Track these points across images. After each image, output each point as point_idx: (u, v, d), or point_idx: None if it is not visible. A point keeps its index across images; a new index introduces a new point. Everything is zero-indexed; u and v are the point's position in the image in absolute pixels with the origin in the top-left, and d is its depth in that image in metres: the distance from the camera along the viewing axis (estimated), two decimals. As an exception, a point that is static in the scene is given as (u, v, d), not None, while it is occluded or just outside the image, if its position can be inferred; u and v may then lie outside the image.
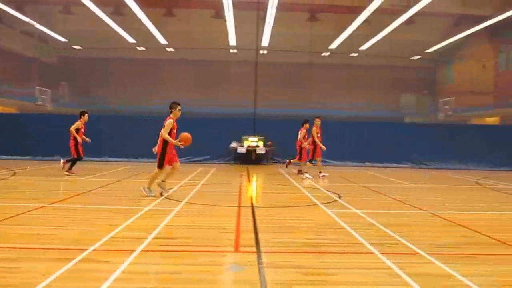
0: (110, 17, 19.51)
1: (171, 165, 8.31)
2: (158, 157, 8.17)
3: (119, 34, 21.00)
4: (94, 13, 18.27)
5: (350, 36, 21.15)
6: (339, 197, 8.69)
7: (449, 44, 22.90)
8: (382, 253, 4.50)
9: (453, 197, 9.69)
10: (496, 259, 4.51)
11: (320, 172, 12.88)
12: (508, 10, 20.64)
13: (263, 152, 17.64)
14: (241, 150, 17.48)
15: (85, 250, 4.30)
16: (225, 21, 19.37)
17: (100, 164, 15.67)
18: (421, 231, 5.89)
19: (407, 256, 4.50)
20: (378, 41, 21.46)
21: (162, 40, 21.83)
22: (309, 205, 7.77)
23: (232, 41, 21.40)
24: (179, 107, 8.28)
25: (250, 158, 17.56)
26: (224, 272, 3.98)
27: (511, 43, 23.80)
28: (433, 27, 22.16)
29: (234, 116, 19.35)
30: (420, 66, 24.93)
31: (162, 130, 8.05)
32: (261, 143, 17.71)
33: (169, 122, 8.04)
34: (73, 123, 11.56)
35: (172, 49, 23.05)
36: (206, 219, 6.36)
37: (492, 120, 25.18)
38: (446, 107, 22.95)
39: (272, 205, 7.70)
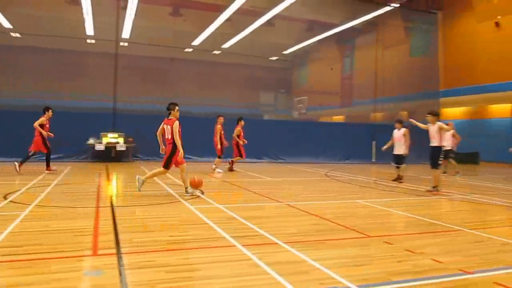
0: None
1: (178, 166, 8.54)
2: (165, 158, 8.42)
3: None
4: None
5: (213, 33, 21.49)
6: (202, 193, 8.79)
7: (303, 47, 24.80)
8: (243, 245, 4.69)
9: (306, 189, 10.53)
10: (341, 243, 5.05)
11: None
12: (352, 20, 23.16)
13: (123, 149, 16.88)
14: (100, 147, 16.44)
15: None
16: (81, 8, 18.05)
17: None
18: (278, 221, 6.29)
19: (266, 246, 4.77)
20: (239, 41, 22.21)
21: (6, 23, 19.37)
22: (172, 202, 7.71)
23: (90, 30, 20.03)
24: (177, 107, 8.45)
25: (110, 156, 16.69)
26: (81, 278, 3.72)
27: (353, 49, 26.78)
28: (289, 30, 23.78)
29: (92, 111, 18.17)
30: (278, 66, 26.49)
31: (166, 131, 8.34)
32: (121, 140, 16.93)
33: (176, 124, 8.26)
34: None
35: (18, 35, 20.61)
36: (59, 222, 5.86)
37: (339, 118, 28.05)
38: (301, 105, 24.82)
39: (133, 204, 7.44)
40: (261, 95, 26.32)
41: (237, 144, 14.19)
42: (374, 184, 12.04)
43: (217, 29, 21.11)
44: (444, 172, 14.77)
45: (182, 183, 8.72)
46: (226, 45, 22.75)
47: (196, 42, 22.36)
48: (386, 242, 5.09)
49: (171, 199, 8.03)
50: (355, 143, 20.91)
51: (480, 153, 22.07)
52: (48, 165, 12.27)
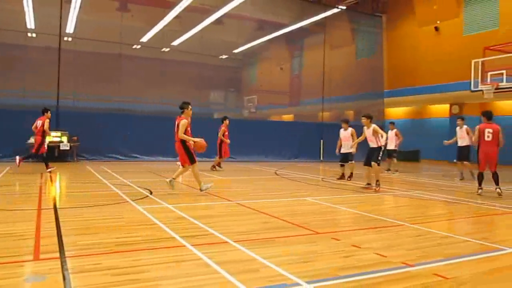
0: None
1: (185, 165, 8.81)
2: (185, 156, 8.63)
3: None
4: None
5: (162, 30, 21.12)
6: (150, 192, 8.63)
7: (253, 46, 24.93)
8: (192, 245, 4.64)
9: (256, 187, 10.61)
10: (291, 240, 5.12)
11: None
12: (301, 21, 23.58)
13: (67, 148, 16.21)
14: (42, 146, 15.70)
15: None
16: (22, -1, 17.18)
17: None
18: (228, 220, 6.29)
19: (216, 245, 4.75)
20: (189, 38, 21.98)
21: None
22: (119, 202, 7.50)
23: (31, 23, 19.06)
24: (191, 106, 8.72)
25: (53, 155, 15.97)
26: (21, 285, 3.53)
27: (302, 50, 27.27)
28: (239, 29, 23.81)
29: (33, 109, 17.30)
30: (228, 65, 26.46)
31: (177, 130, 8.46)
32: (65, 139, 16.26)
33: (184, 122, 8.47)
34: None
35: None
36: (-3, 225, 5.54)
37: (288, 117, 28.46)
38: (250, 104, 24.95)
39: (78, 205, 7.16)
40: (211, 94, 26.19)
41: (221, 144, 14.46)
42: (322, 182, 12.32)
43: (166, 26, 20.77)
44: (388, 170, 15.38)
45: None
46: (176, 42, 22.44)
47: (145, 38, 21.89)
48: (333, 238, 5.23)
49: (118, 199, 7.81)
50: (303, 142, 21.32)
51: (421, 151, 23.19)
52: (48, 164, 12.54)
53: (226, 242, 4.88)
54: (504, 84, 14.33)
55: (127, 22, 20.98)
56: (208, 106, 25.29)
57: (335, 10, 23.08)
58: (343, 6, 23.28)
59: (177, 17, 20.16)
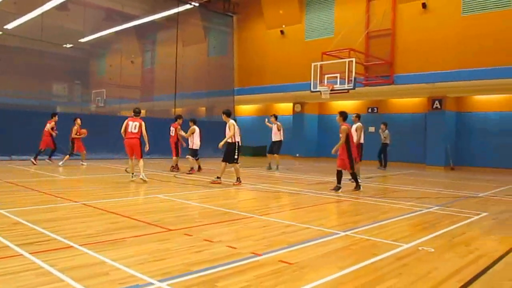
0: None
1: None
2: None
3: None
4: None
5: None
6: (-21, 196, 7.56)
7: (101, 36, 23.50)
8: (31, 253, 4.21)
9: (105, 186, 10.07)
10: (142, 239, 5.00)
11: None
12: (153, 14, 23.07)
13: None
14: None
15: None
16: None
17: None
18: (73, 223, 5.84)
19: (60, 251, 4.38)
20: (27, 22, 19.68)
21: None
22: None
23: None
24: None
25: None
26: None
27: (154, 44, 26.70)
28: (87, 17, 22.15)
29: None
30: (74, 55, 24.49)
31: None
32: None
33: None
34: None
35: None
36: None
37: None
38: (98, 98, 23.53)
39: None
40: (54, 85, 23.91)
41: (176, 143, 14.17)
42: (174, 178, 12.28)
43: (-3, 6, 18.30)
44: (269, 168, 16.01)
45: None
46: (9, 25, 19.89)
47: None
48: (186, 234, 5.26)
49: None
50: (156, 138, 20.90)
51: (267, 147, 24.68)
52: (50, 157, 15.30)
53: (71, 246, 4.53)
54: (338, 86, 16.07)
55: None
56: (50, 98, 23.05)
57: (187, 6, 23.09)
58: (195, 2, 23.43)
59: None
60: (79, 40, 23.20)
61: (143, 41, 26.70)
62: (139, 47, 26.61)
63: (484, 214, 7.44)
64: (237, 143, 10.77)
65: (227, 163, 10.82)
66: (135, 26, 23.79)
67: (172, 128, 14.39)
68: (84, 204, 7.25)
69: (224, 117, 11.04)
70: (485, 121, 18.77)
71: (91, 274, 3.72)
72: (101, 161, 17.30)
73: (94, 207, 6.95)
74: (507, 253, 4.89)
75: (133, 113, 11.35)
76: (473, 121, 19.19)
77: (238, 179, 10.85)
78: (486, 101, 18.96)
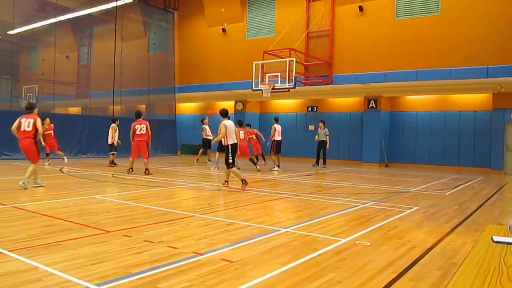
0: None
1: None
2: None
3: None
4: None
5: None
6: None
7: (33, 29, 22.23)
8: (-47, 261, 3.91)
9: (37, 187, 9.55)
10: (78, 242, 4.79)
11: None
12: (89, 8, 22.17)
13: None
14: None
15: None
16: None
17: None
18: (1, 227, 5.49)
19: (-14, 257, 4.10)
20: None
21: None
22: None
23: None
24: None
25: None
26: None
27: (91, 38, 25.65)
28: (16, 7, 20.83)
29: None
30: (2, 47, 22.99)
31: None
32: None
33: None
34: None
35: None
36: None
37: (75, 109, 26.46)
38: (29, 94, 22.25)
39: None
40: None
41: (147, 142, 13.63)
42: (113, 178, 11.90)
43: None
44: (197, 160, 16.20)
45: None
46: None
47: None
48: (125, 236, 5.12)
49: None
50: (93, 137, 20.16)
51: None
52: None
53: (0, 252, 4.26)
54: (278, 85, 16.30)
55: None
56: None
57: (127, 0, 22.40)
58: (135, -3, 22.79)
59: None
60: (8, 32, 21.82)
61: (79, 35, 25.57)
62: (75, 42, 25.46)
63: (415, 208, 7.88)
64: (229, 146, 9.91)
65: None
66: (70, 19, 22.73)
67: (138, 126, 12.90)
68: (14, 207, 6.83)
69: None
70: (417, 120, 19.86)
71: (22, 281, 3.51)
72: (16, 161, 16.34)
73: (25, 210, 6.57)
74: (435, 244, 5.22)
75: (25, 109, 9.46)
76: (406, 120, 20.24)
77: (226, 181, 10.36)
78: (418, 101, 20.06)
